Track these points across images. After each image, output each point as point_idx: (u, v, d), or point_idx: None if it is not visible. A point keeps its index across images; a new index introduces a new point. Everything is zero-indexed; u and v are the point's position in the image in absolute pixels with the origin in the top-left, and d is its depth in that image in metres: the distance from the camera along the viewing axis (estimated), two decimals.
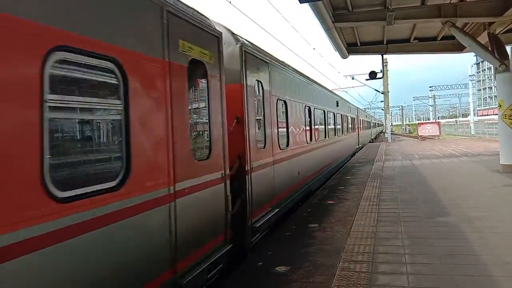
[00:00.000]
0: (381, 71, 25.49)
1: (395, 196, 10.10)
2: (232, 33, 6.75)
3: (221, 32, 5.69)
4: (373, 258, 5.59)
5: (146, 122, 3.80)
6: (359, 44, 18.69)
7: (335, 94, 20.71)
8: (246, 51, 6.81)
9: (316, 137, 13.09)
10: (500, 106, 13.82)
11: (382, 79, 35.54)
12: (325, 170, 14.39)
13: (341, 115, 19.97)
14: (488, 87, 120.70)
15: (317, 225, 7.67)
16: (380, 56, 21.86)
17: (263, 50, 8.25)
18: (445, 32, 15.94)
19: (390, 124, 48.46)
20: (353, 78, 45.88)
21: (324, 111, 14.80)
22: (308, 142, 11.63)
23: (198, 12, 5.27)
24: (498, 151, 14.31)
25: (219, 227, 5.24)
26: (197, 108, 5.52)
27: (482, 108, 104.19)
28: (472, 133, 53.31)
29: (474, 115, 73.34)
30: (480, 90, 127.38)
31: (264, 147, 7.46)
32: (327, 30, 13.85)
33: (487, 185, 11.08)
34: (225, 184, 5.42)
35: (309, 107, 12.04)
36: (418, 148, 28.08)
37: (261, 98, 7.69)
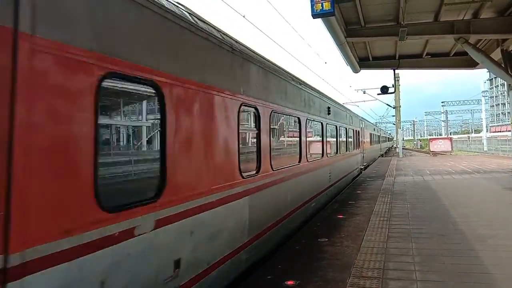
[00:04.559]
0: (393, 85, 25.43)
1: (406, 212, 10.02)
2: (358, 115, 24.82)
3: (361, 117, 25.93)
4: (383, 274, 5.56)
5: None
6: (371, 59, 18.74)
7: (375, 124, 47.48)
8: (361, 120, 25.07)
9: (372, 144, 33.81)
10: None
11: (393, 94, 35.36)
12: (372, 159, 33.30)
13: (375, 134, 38.92)
14: (502, 104, 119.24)
15: (327, 239, 7.64)
16: (392, 70, 21.86)
17: (364, 118, 28.84)
18: (457, 48, 15.91)
19: (402, 139, 48.09)
20: (364, 92, 45.78)
21: (372, 133, 35.28)
22: (369, 146, 30.58)
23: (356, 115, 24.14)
24: (511, 168, 14.13)
25: (361, 161, 23.04)
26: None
27: (495, 124, 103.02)
28: (484, 150, 52.77)
29: (487, 131, 72.58)
30: (493, 106, 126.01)
31: (364, 145, 24.55)
32: (340, 44, 13.94)
33: (500, 203, 10.94)
34: (361, 154, 22.96)
35: (371, 133, 33.43)
36: (429, 164, 27.84)
37: (363, 132, 24.81)
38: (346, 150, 16.78)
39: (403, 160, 35.60)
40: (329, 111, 12.68)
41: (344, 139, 16.44)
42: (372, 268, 5.81)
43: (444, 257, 6.23)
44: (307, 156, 9.64)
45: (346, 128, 16.57)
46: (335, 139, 14.06)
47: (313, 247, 7.17)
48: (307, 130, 9.66)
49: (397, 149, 50.34)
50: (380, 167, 26.30)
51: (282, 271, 5.88)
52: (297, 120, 9.19)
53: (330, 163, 12.84)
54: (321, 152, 11.67)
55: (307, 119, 9.68)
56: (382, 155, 46.42)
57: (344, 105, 20.59)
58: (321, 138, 11.76)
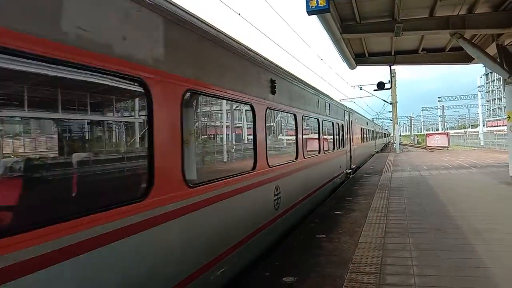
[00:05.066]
0: (389, 81, 25.48)
1: (403, 208, 10.07)
2: (343, 104, 20.97)
3: (348, 108, 21.62)
4: (381, 269, 5.59)
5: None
6: (367, 55, 18.76)
7: (371, 120, 49.05)
8: (348, 111, 20.46)
9: (365, 140, 31.49)
10: (509, 117, 13.76)
11: (390, 90, 35.43)
12: (365, 158, 30.42)
13: (368, 129, 36.48)
14: (498, 98, 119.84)
15: (324, 235, 7.66)
16: (388, 66, 21.90)
17: (351, 108, 24.21)
18: (453, 43, 15.95)
19: (399, 134, 48.25)
20: (361, 89, 45.81)
21: (365, 129, 32.39)
22: (361, 144, 27.46)
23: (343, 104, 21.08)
24: (508, 162, 14.21)
25: (348, 164, 18.73)
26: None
27: (492, 119, 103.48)
28: (481, 144, 52.89)
29: (484, 126, 72.83)
30: (489, 101, 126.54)
31: (352, 142, 20.98)
32: (335, 41, 13.94)
33: (496, 197, 11.00)
34: (347, 154, 18.78)
35: (363, 128, 30.52)
36: (426, 159, 27.93)
37: (351, 126, 21.17)
38: (319, 152, 12.11)
39: (400, 155, 35.70)
40: (274, 87, 7.81)
41: (316, 136, 12.17)
42: (369, 264, 5.84)
43: (441, 251, 6.27)
44: (204, 172, 5.66)
45: (318, 120, 12.09)
46: (293, 137, 9.67)
47: (311, 243, 7.20)
48: (199, 120, 5.55)
49: (394, 144, 50.53)
50: (377, 163, 26.37)
51: (280, 268, 5.91)
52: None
53: (280, 176, 7.78)
54: (252, 160, 6.65)
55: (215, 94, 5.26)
56: (378, 152, 46.54)
57: (334, 98, 17.59)
58: (253, 135, 6.85)
